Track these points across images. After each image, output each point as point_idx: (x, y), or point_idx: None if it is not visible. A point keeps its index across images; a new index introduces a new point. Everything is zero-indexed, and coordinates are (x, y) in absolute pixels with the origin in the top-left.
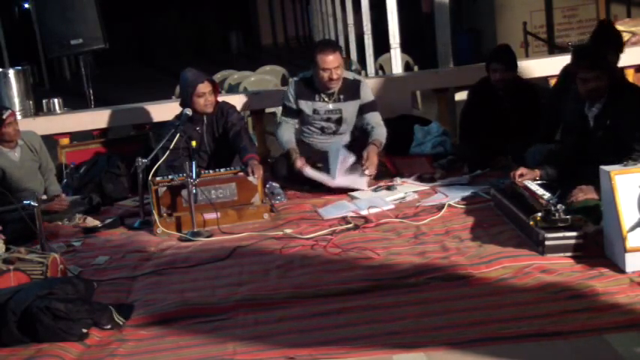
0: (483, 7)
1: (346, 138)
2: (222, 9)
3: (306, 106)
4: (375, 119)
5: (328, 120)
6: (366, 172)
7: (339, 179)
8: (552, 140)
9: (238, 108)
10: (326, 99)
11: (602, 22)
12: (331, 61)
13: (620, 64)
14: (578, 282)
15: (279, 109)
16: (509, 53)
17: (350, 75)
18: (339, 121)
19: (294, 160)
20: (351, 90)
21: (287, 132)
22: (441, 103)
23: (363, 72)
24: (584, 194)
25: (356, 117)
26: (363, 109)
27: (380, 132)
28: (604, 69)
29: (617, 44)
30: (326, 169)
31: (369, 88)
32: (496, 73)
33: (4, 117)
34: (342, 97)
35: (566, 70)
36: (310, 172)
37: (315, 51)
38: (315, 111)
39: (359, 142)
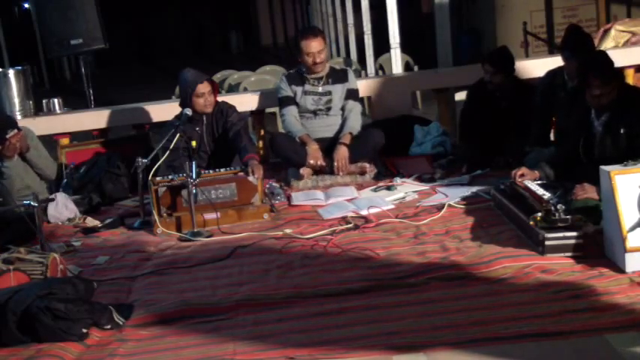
0: (483, 7)
1: (337, 121)
2: (222, 9)
3: (297, 90)
4: (351, 106)
5: (318, 103)
6: (340, 174)
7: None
8: (547, 142)
9: (238, 108)
10: (315, 83)
11: (571, 26)
12: (314, 45)
13: (621, 64)
14: (578, 282)
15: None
16: (502, 56)
17: (337, 66)
18: (329, 103)
19: (310, 150)
20: (339, 75)
21: (294, 123)
22: (441, 103)
23: (362, 72)
24: (584, 192)
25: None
26: (347, 94)
27: (352, 121)
28: (617, 80)
29: (589, 47)
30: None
31: (355, 78)
32: (487, 74)
33: (8, 136)
34: (330, 80)
35: (552, 73)
36: (301, 196)
37: (299, 38)
38: (305, 92)
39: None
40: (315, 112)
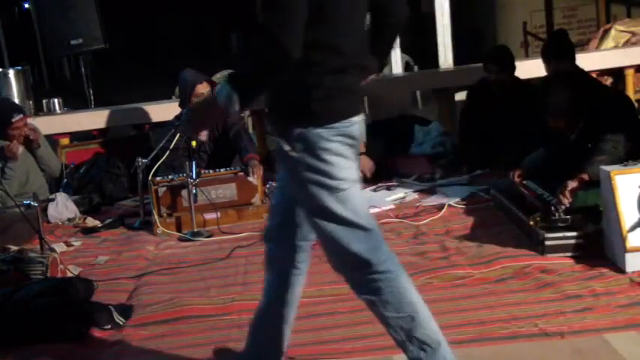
0: (483, 7)
1: None
2: (223, 9)
3: None
4: None
5: None
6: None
7: None
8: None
9: None
10: None
11: (557, 31)
12: None
13: (621, 64)
14: (578, 282)
15: None
16: (505, 55)
17: None
18: None
19: None
20: None
21: None
22: (441, 103)
23: None
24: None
25: None
26: None
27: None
28: (577, 114)
29: (571, 53)
30: None
31: None
32: (491, 74)
33: (14, 120)
34: None
35: (545, 78)
36: None
37: None
38: None
39: None
40: None
